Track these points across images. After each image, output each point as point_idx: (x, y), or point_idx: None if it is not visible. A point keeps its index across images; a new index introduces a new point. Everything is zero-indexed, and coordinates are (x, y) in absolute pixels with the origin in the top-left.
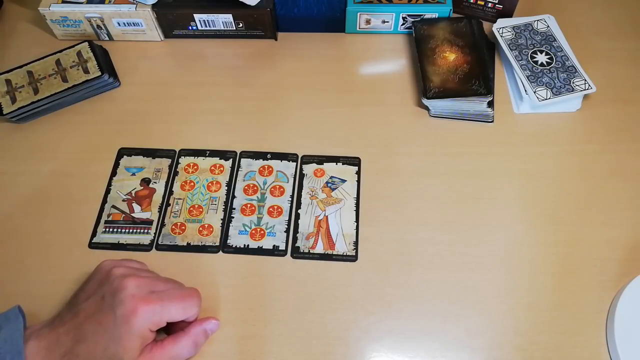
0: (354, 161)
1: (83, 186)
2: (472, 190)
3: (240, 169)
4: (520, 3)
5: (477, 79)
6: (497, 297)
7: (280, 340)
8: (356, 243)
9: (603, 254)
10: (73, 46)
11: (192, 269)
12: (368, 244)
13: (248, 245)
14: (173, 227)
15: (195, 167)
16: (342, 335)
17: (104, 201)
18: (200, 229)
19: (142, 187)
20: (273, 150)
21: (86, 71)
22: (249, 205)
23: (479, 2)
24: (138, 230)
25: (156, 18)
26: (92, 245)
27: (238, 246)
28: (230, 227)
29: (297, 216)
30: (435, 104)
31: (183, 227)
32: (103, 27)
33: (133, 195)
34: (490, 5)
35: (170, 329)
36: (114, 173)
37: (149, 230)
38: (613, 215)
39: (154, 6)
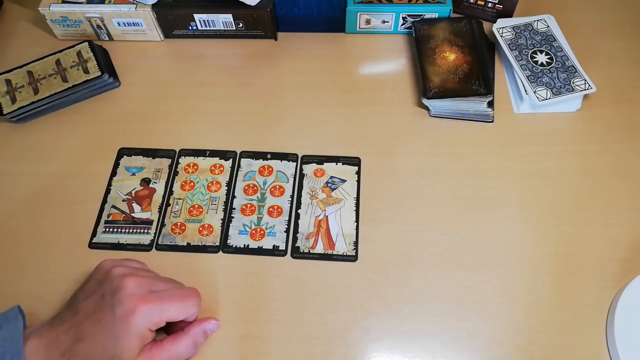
0: (354, 161)
1: (83, 186)
2: (472, 190)
3: (240, 169)
4: (520, 3)
5: (477, 79)
6: (497, 297)
7: (280, 341)
8: (356, 243)
9: (603, 254)
10: (73, 46)
11: (192, 269)
12: (368, 244)
13: (248, 245)
14: (173, 227)
15: (195, 167)
16: (342, 335)
17: (104, 201)
18: (200, 229)
19: (142, 187)
20: (273, 150)
21: (86, 71)
22: (249, 205)
23: (479, 2)
24: (138, 230)
25: (156, 18)
26: (92, 245)
27: (238, 246)
28: (230, 227)
29: (297, 216)
30: (435, 104)
31: (183, 227)
32: (103, 27)
33: (133, 195)
34: (490, 5)
35: (169, 329)
36: (114, 173)
37: (149, 230)
38: (613, 215)
39: (154, 6)
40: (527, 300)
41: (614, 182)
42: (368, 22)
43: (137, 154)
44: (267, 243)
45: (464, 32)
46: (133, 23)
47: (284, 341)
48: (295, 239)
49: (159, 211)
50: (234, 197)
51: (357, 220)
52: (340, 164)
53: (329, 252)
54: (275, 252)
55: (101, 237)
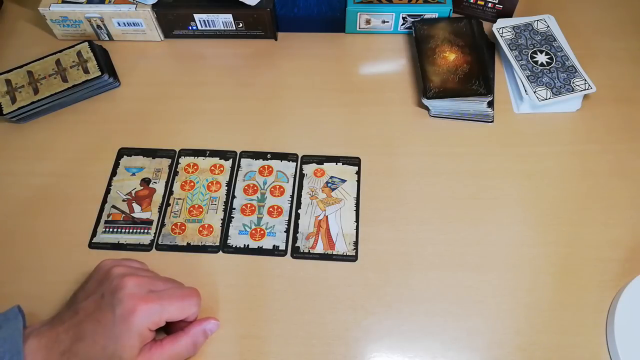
0: (354, 161)
1: (83, 186)
2: (472, 190)
3: (240, 169)
4: (520, 3)
5: (477, 79)
6: (497, 297)
7: (280, 341)
8: (356, 243)
9: (603, 254)
10: (73, 46)
11: (192, 269)
12: (368, 244)
13: (248, 245)
14: (173, 227)
15: (195, 167)
16: (342, 335)
17: (104, 201)
18: (200, 229)
19: (142, 187)
20: (273, 150)
21: (86, 71)
22: (249, 205)
23: (479, 2)
24: (138, 230)
25: (156, 18)
26: (92, 246)
27: (238, 246)
28: (230, 227)
29: (297, 216)
30: (435, 104)
31: (183, 227)
32: (103, 27)
33: (133, 195)
34: (490, 5)
35: (169, 329)
36: (114, 173)
37: (149, 230)
38: (613, 215)
39: (154, 6)
40: (527, 300)
41: (614, 182)
42: (368, 22)
43: (137, 154)
44: (267, 243)
45: (464, 32)
46: (133, 23)
47: (284, 341)
48: (295, 239)
49: (159, 211)
50: (234, 197)
51: (357, 220)
52: (340, 164)
53: (329, 252)
54: (275, 252)
55: (101, 237)
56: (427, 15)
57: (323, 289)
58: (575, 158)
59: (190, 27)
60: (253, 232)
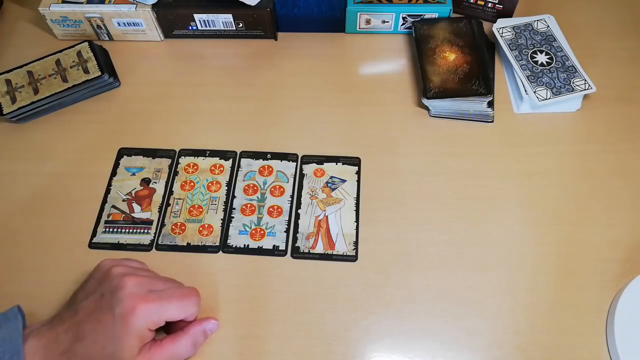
0: (354, 161)
1: (83, 186)
2: (472, 190)
3: (240, 169)
4: (520, 3)
5: (477, 79)
6: (497, 297)
7: (280, 340)
8: (356, 243)
9: (603, 254)
10: (73, 46)
11: (192, 269)
12: (368, 244)
13: (248, 245)
14: (173, 227)
15: (195, 167)
16: (342, 335)
17: (104, 201)
18: (200, 229)
19: (142, 187)
20: (273, 150)
21: (86, 71)
22: (249, 205)
23: (479, 2)
24: (138, 230)
25: (156, 18)
26: (92, 245)
27: (238, 246)
28: (230, 227)
29: (297, 216)
30: (435, 104)
31: (183, 227)
32: (103, 27)
33: (133, 195)
34: (490, 5)
35: (169, 329)
36: (114, 173)
37: (149, 230)
38: (613, 215)
39: (154, 6)
40: (527, 300)
41: (614, 182)
42: (368, 22)
43: (137, 154)
44: (267, 243)
45: (464, 32)
46: (133, 23)
47: (283, 341)
48: (295, 239)
49: (159, 211)
50: (234, 197)
51: (357, 220)
52: (340, 164)
53: (329, 252)
54: (275, 252)
55: (101, 237)
56: (427, 15)
57: (323, 289)
58: (576, 158)
59: (190, 27)
60: (253, 232)
